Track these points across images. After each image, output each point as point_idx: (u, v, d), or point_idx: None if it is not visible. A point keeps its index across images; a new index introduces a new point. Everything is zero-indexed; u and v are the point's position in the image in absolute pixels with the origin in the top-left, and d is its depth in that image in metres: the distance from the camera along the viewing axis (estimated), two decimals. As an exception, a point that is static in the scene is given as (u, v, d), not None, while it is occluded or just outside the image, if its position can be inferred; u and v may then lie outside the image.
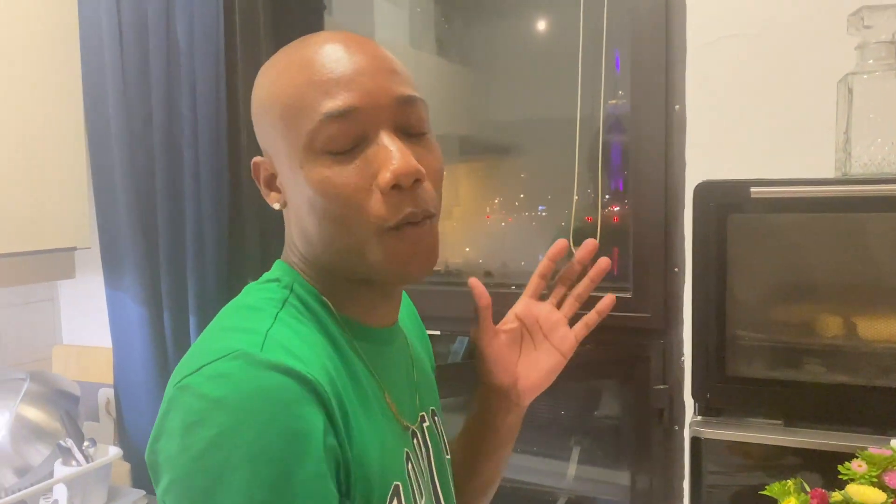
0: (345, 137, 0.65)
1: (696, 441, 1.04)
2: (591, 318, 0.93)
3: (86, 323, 1.93)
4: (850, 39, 1.06)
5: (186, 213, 1.57)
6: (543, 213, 1.82)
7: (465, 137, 2.04)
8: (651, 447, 1.46)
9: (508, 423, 0.91)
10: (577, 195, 1.58)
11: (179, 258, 1.58)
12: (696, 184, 1.06)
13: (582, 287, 0.93)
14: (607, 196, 1.59)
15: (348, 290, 0.72)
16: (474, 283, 0.89)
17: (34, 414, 1.57)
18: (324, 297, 0.71)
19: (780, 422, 1.03)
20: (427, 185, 0.68)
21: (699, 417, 1.06)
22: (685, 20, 1.36)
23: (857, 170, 1.01)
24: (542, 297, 0.94)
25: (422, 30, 2.08)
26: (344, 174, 0.65)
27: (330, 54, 0.67)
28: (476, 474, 0.93)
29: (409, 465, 0.72)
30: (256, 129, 0.73)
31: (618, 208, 1.59)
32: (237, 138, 1.63)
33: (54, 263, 1.68)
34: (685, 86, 1.37)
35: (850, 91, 1.02)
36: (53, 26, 1.58)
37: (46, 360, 1.92)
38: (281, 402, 0.57)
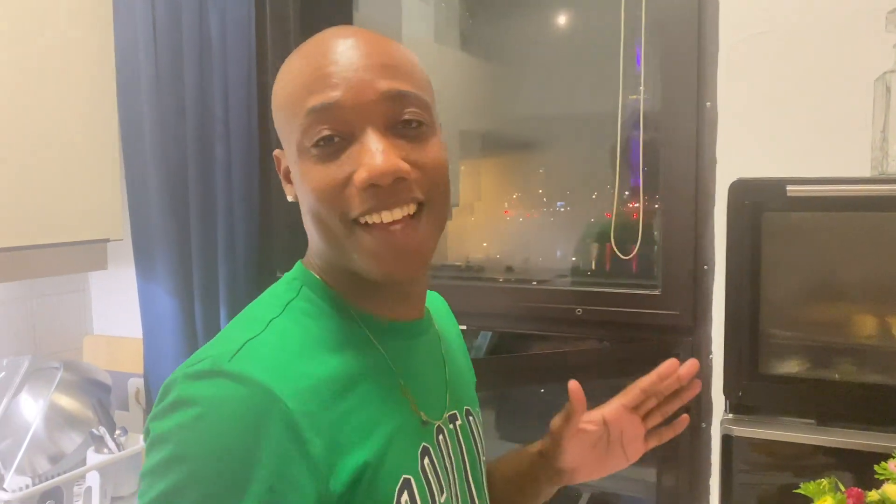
0: (328, 133, 0.65)
1: (727, 439, 1.04)
2: (666, 434, 0.94)
3: (116, 313, 1.96)
4: (889, 37, 1.05)
5: (218, 206, 1.59)
6: (566, 209, 1.82)
7: (487, 133, 2.05)
8: (677, 444, 1.46)
9: (549, 492, 0.94)
10: (616, 191, 1.57)
11: (210, 250, 1.60)
12: (726, 181, 1.05)
13: (670, 406, 0.94)
14: (626, 192, 1.59)
15: (361, 286, 0.72)
16: (574, 387, 0.87)
17: (67, 402, 1.60)
18: (338, 293, 0.72)
19: (812, 421, 1.03)
20: (415, 181, 0.67)
21: (730, 415, 1.06)
22: (718, 16, 1.35)
23: (894, 169, 1.01)
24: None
25: (446, 25, 2.09)
26: (326, 171, 0.66)
27: (324, 51, 0.68)
28: None
29: (426, 460, 0.72)
30: (275, 123, 0.74)
31: (636, 204, 1.59)
32: (267, 134, 1.65)
33: (87, 255, 1.71)
34: (717, 83, 1.37)
35: (888, 89, 1.01)
36: (88, 21, 1.61)
37: (77, 349, 1.96)
38: (233, 416, 0.59)
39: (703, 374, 1.43)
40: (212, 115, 1.58)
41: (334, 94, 0.65)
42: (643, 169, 1.57)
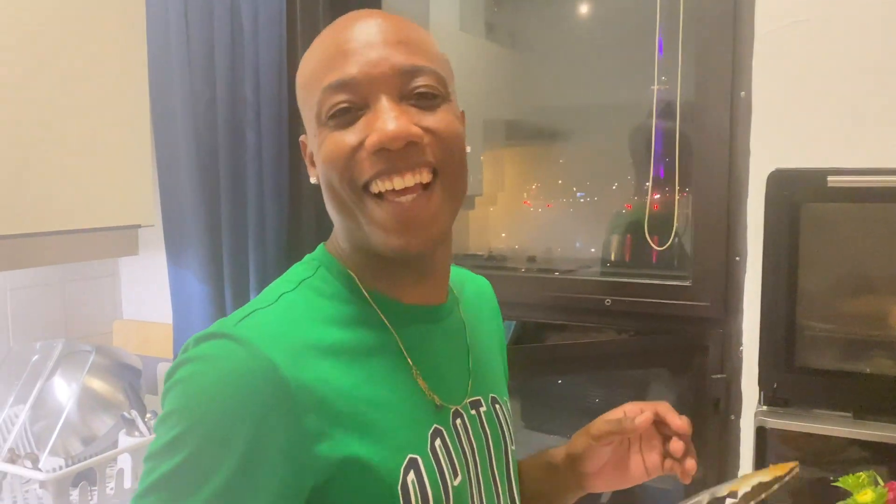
0: (344, 104, 0.67)
1: (761, 430, 1.03)
2: (676, 468, 0.87)
3: (146, 299, 1.99)
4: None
5: (248, 193, 1.60)
6: (587, 199, 1.81)
7: (510, 122, 2.04)
8: (706, 437, 1.45)
9: (569, 498, 0.94)
10: (650, 182, 1.56)
11: (241, 236, 1.61)
12: (759, 172, 1.04)
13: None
14: (647, 184, 1.58)
15: (378, 267, 0.73)
16: (644, 419, 0.84)
17: (99, 386, 1.62)
18: (355, 276, 0.73)
19: (849, 414, 1.02)
20: (427, 146, 0.68)
21: (764, 407, 1.06)
22: (754, 4, 1.33)
23: (937, 160, 0.99)
24: None
25: (472, 13, 2.08)
26: (340, 138, 0.67)
27: (344, 31, 0.70)
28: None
29: (438, 441, 0.72)
30: (299, 105, 0.76)
31: (658, 196, 1.58)
32: (297, 121, 1.64)
33: (118, 240, 1.73)
34: (752, 72, 1.35)
35: (932, 79, 1.00)
36: (121, 8, 1.61)
37: (107, 334, 1.98)
38: (228, 374, 0.62)
39: (734, 367, 1.42)
40: (243, 101, 1.59)
41: (351, 70, 0.67)
42: (666, 160, 1.56)
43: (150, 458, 0.63)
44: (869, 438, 0.99)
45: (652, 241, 1.55)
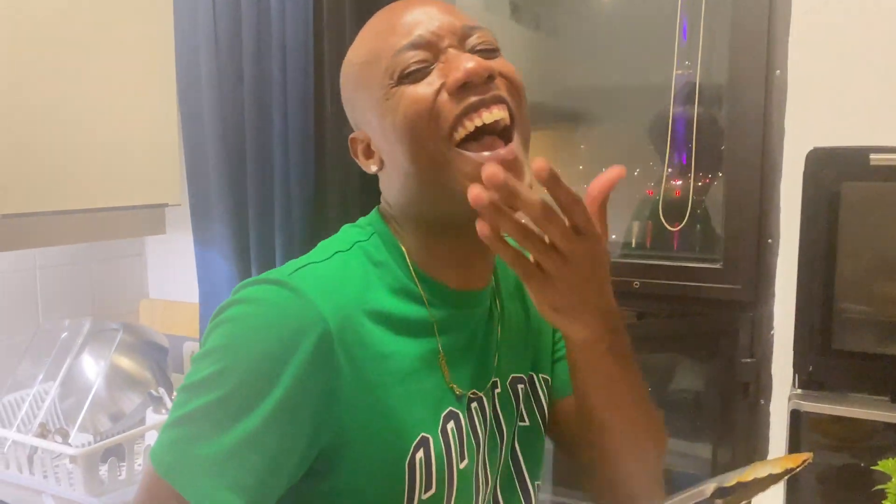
0: (416, 61, 0.69)
1: (795, 414, 1.02)
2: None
3: (172, 278, 2.00)
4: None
5: (275, 173, 1.60)
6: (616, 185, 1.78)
7: (536, 104, 2.02)
8: (735, 421, 1.43)
9: (591, 368, 0.75)
10: (667, 167, 1.54)
11: (267, 216, 1.61)
12: (793, 153, 1.02)
13: None
14: (669, 169, 1.56)
15: (431, 244, 0.74)
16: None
17: (127, 364, 1.64)
18: (405, 250, 0.74)
19: (885, 398, 1.00)
20: (502, 86, 0.70)
21: (799, 391, 1.04)
22: (791, -19, 1.30)
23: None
24: None
25: (497, -7, 2.05)
26: (417, 90, 0.69)
27: (401, 11, 0.73)
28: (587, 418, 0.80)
29: (451, 424, 0.73)
30: (346, 106, 0.78)
31: (680, 182, 1.56)
32: (323, 101, 1.65)
33: (145, 219, 1.73)
34: (787, 49, 1.32)
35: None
36: (147, -14, 1.61)
37: (133, 313, 2.00)
38: (278, 318, 0.64)
39: (764, 351, 1.40)
40: (269, 80, 1.58)
41: (420, 32, 0.70)
42: (689, 144, 1.53)
43: (186, 390, 0.65)
44: (907, 423, 0.97)
45: (670, 225, 1.53)
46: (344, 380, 0.65)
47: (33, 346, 1.69)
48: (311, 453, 0.67)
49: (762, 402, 1.40)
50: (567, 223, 0.59)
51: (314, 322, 0.64)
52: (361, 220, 0.79)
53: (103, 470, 1.41)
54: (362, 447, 0.67)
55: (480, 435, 0.76)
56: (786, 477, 0.54)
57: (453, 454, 0.72)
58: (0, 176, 1.35)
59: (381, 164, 0.74)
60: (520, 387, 0.84)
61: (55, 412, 1.58)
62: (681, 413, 1.64)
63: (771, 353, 1.39)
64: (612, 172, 0.65)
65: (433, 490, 0.70)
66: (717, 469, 1.51)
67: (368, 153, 0.76)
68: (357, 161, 0.78)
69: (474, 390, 0.77)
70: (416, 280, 0.73)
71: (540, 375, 0.87)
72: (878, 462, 0.85)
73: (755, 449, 1.42)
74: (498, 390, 0.81)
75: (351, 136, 0.78)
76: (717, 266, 1.42)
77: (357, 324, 0.67)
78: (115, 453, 1.46)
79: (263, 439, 0.63)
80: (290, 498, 0.69)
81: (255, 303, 0.66)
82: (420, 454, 0.69)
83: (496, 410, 0.80)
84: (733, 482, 0.53)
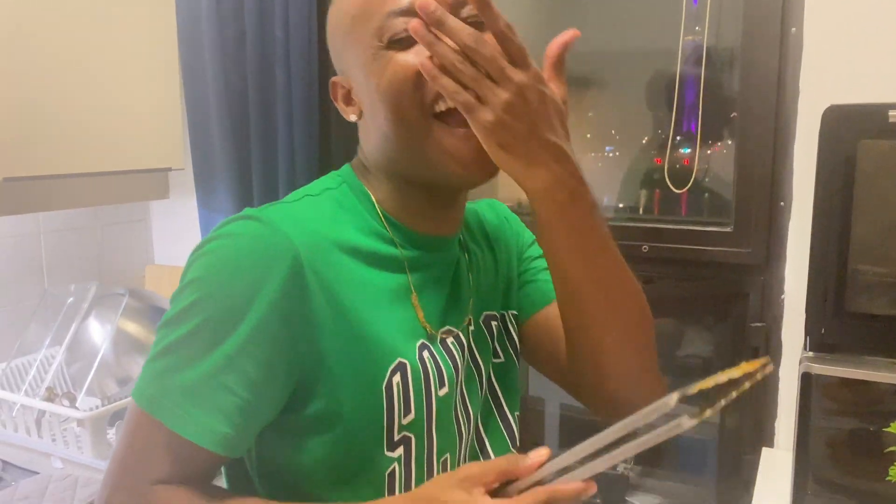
0: (406, 28, 0.67)
1: (806, 377, 1.00)
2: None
3: (176, 243, 1.99)
4: None
5: (278, 134, 1.58)
6: (615, 154, 1.76)
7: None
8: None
9: (559, 223, 0.71)
10: (672, 135, 1.51)
11: (271, 178, 1.60)
12: (808, 113, 0.99)
13: None
14: (678, 137, 1.53)
15: (404, 196, 0.75)
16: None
17: (133, 328, 1.63)
18: (373, 198, 0.76)
19: (899, 361, 0.98)
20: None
21: (811, 353, 1.02)
22: (808, -65, 1.26)
23: None
24: None
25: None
26: (405, 58, 0.68)
27: None
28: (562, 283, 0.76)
29: (426, 352, 0.74)
30: (332, 50, 0.78)
31: (689, 150, 1.53)
32: (327, 62, 1.61)
33: (149, 183, 1.72)
34: (804, 5, 1.28)
35: None
36: (147, -55, 1.58)
37: (139, 278, 1.99)
38: (249, 247, 0.66)
39: (774, 315, 1.38)
40: (272, 39, 1.56)
41: None
42: (697, 110, 1.50)
43: (165, 325, 0.67)
44: (920, 386, 0.96)
45: (678, 189, 1.51)
46: (317, 304, 0.67)
47: (40, 310, 1.69)
48: (291, 381, 0.68)
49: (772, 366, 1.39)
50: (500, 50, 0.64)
51: (286, 249, 0.66)
52: (332, 173, 0.80)
53: (111, 433, 1.42)
54: (340, 372, 0.68)
55: (459, 365, 0.78)
56: (746, 383, 0.54)
57: (431, 380, 0.74)
58: (2, 139, 1.33)
59: (360, 115, 0.75)
60: (493, 323, 0.86)
61: (62, 376, 1.59)
62: (690, 378, 1.63)
63: (781, 316, 1.38)
64: (567, 34, 0.69)
65: (412, 415, 0.72)
66: (725, 434, 1.50)
67: (349, 100, 0.77)
68: (336, 104, 0.79)
69: (449, 327, 0.78)
70: (386, 225, 0.75)
71: (509, 312, 0.89)
72: (891, 424, 0.84)
73: (764, 414, 1.41)
74: (472, 328, 0.82)
75: (333, 79, 0.78)
76: (728, 229, 1.40)
77: (327, 251, 0.69)
78: (122, 417, 1.46)
79: (242, 363, 0.64)
80: (273, 431, 0.70)
81: (227, 237, 0.68)
82: (397, 378, 0.71)
83: (471, 347, 0.81)
84: (695, 390, 0.54)
